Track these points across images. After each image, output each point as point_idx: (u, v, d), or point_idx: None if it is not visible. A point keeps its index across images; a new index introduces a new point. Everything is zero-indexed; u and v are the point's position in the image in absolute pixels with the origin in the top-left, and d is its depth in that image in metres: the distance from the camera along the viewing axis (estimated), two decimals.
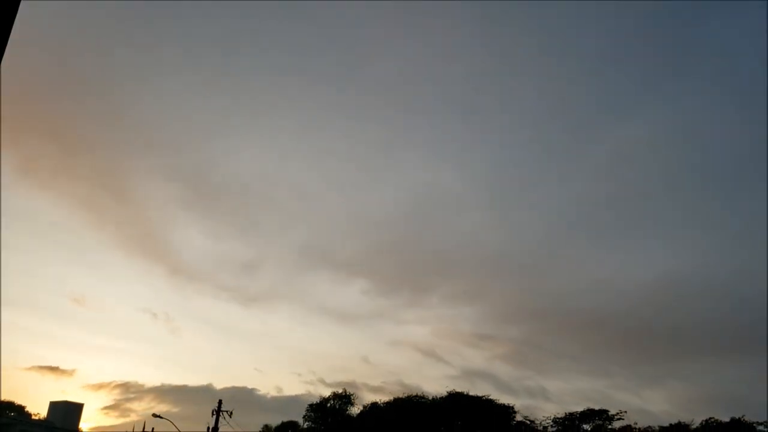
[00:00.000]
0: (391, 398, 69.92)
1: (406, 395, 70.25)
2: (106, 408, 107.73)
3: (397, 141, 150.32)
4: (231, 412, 47.25)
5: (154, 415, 49.82)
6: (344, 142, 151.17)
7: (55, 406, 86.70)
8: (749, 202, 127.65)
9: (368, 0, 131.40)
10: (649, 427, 58.14)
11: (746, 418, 52.68)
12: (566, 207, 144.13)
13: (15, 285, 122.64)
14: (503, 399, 66.26)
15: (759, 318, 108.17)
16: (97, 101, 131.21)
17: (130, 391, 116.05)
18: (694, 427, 55.57)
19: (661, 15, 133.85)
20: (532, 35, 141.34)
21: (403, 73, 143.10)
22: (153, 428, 66.81)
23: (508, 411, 64.15)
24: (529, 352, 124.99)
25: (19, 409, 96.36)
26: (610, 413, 60.21)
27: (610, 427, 59.71)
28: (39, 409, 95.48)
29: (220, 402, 47.76)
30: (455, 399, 65.14)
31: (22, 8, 3.48)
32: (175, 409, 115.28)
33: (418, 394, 70.19)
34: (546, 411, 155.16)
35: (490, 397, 65.60)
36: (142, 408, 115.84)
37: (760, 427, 51.99)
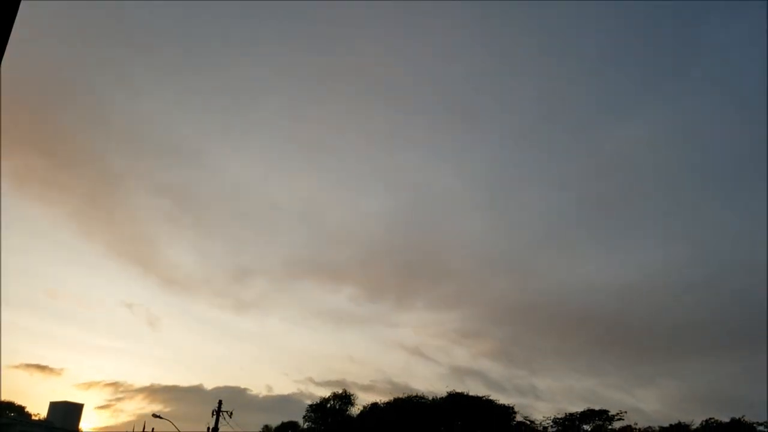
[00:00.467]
0: (391, 398, 69.97)
1: (406, 395, 70.27)
2: (98, 408, 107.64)
3: (387, 146, 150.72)
4: (231, 413, 47.27)
5: (154, 415, 49.86)
6: (333, 152, 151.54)
7: (55, 407, 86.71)
8: (748, 201, 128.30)
9: (367, 0, 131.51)
10: (649, 427, 58.21)
11: (746, 419, 52.73)
12: (562, 207, 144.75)
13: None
14: (494, 397, 66.29)
15: (751, 317, 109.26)
16: (86, 115, 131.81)
17: (119, 390, 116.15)
18: (694, 427, 55.57)
19: (661, 15, 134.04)
20: (531, 35, 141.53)
21: (392, 71, 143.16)
22: (153, 428, 66.90)
23: (508, 411, 64.16)
24: (517, 351, 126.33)
25: (19, 410, 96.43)
26: (610, 413, 60.26)
27: (610, 427, 59.72)
28: (39, 410, 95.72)
29: (220, 402, 47.77)
30: (455, 399, 65.12)
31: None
32: (166, 409, 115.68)
33: (418, 394, 70.27)
34: (538, 409, 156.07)
35: (490, 398, 65.73)
36: (133, 408, 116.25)
37: (761, 428, 51.99)
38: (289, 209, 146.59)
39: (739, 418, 53.03)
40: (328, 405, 73.55)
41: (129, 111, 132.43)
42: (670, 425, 56.74)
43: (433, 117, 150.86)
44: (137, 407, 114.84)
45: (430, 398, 68.20)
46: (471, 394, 66.05)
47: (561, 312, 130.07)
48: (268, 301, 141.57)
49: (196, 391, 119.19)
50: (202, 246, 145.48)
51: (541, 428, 62.76)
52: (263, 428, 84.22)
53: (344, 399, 73.61)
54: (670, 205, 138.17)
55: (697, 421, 55.84)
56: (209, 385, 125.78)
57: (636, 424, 58.90)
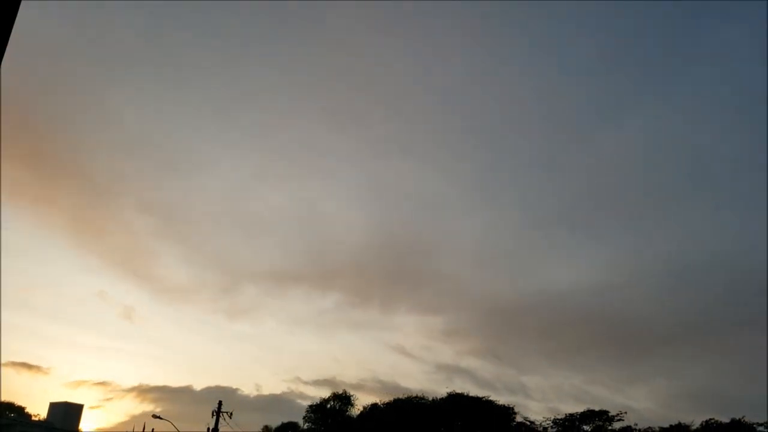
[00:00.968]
0: (391, 399, 69.96)
1: (405, 396, 70.28)
2: (92, 407, 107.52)
3: (375, 154, 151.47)
4: (231, 413, 47.25)
5: (154, 416, 49.83)
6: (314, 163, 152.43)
7: (54, 407, 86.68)
8: (743, 201, 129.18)
9: (358, 0, 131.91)
10: (650, 428, 58.19)
11: (746, 419, 52.75)
12: (550, 206, 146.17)
13: None
14: (485, 396, 66.44)
15: (743, 315, 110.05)
16: (74, 128, 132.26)
17: (108, 390, 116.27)
18: (694, 428, 55.59)
19: (656, 17, 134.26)
20: (525, 36, 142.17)
21: (377, 75, 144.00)
22: (153, 429, 66.86)
23: (508, 412, 64.14)
24: (504, 351, 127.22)
25: (19, 410, 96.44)
26: (609, 414, 60.28)
27: (610, 428, 59.71)
28: (36, 410, 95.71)
29: (219, 403, 47.75)
30: (455, 400, 65.09)
31: None
32: (158, 409, 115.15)
33: (418, 395, 70.27)
34: (531, 409, 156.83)
35: (490, 398, 65.73)
36: (125, 408, 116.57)
37: (761, 428, 51.99)
38: (278, 218, 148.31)
39: (740, 419, 53.07)
40: (328, 406, 73.55)
41: (116, 126, 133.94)
42: (670, 426, 56.75)
43: (423, 123, 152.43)
44: (128, 407, 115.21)
45: (430, 399, 68.26)
46: (471, 394, 66.15)
47: (547, 312, 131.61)
48: (257, 306, 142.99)
49: (186, 392, 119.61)
50: (192, 255, 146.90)
51: (541, 429, 62.76)
52: (263, 429, 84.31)
53: (344, 400, 73.62)
54: (663, 203, 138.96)
55: (697, 422, 55.96)
56: (198, 386, 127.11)
57: (636, 424, 58.97)
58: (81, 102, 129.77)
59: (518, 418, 63.88)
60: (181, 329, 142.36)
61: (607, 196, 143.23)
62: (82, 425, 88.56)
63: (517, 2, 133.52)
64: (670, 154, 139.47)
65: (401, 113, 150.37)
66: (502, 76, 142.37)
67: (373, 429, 65.71)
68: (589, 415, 60.95)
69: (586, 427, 60.83)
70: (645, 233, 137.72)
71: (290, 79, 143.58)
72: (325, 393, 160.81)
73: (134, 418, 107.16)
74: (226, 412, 47.10)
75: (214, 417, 46.99)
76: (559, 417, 62.36)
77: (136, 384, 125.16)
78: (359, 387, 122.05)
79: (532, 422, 63.44)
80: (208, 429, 47.26)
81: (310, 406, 74.35)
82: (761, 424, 52.04)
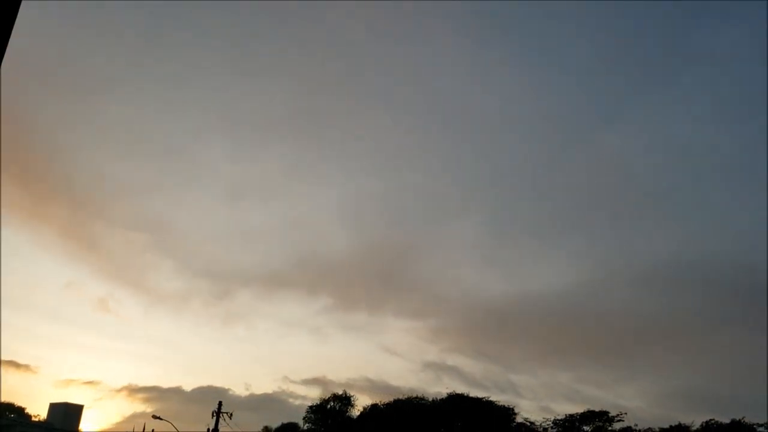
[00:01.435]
0: (391, 400, 69.91)
1: (405, 397, 70.24)
2: (87, 408, 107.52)
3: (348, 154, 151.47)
4: (231, 414, 47.21)
5: (154, 417, 49.81)
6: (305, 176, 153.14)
7: (54, 408, 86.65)
8: (738, 202, 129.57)
9: (351, 0, 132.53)
10: (650, 429, 58.16)
11: (746, 420, 52.72)
12: (541, 207, 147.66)
13: None
14: (473, 394, 66.47)
15: (737, 314, 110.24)
16: (60, 152, 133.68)
17: (97, 389, 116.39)
18: (694, 428, 55.57)
19: (656, 17, 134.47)
20: (521, 38, 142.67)
21: (367, 80, 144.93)
22: (153, 429, 66.87)
23: (508, 413, 64.08)
24: (492, 350, 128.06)
25: (19, 411, 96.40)
26: (609, 415, 60.23)
27: (610, 428, 59.67)
28: (39, 411, 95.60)
29: (220, 404, 47.73)
30: (455, 401, 65.05)
31: None
32: (149, 409, 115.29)
33: (418, 395, 70.22)
34: (523, 408, 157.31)
35: (490, 399, 65.67)
36: (117, 407, 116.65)
37: (761, 429, 51.95)
38: (267, 228, 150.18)
39: (740, 420, 53.04)
40: (328, 406, 73.49)
41: (103, 144, 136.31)
42: (671, 426, 56.74)
43: (411, 127, 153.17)
44: (120, 407, 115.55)
45: (430, 399, 68.20)
46: (471, 395, 66.08)
47: (535, 312, 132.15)
48: (247, 310, 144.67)
49: (176, 392, 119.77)
50: (183, 262, 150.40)
51: (541, 429, 62.71)
52: (263, 429, 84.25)
53: (344, 400, 73.55)
54: (658, 204, 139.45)
55: (697, 422, 55.93)
56: (187, 387, 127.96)
57: (636, 425, 58.94)
58: (72, 113, 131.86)
59: (518, 419, 63.88)
60: (170, 332, 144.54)
61: (603, 196, 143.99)
62: (82, 426, 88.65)
63: (517, 2, 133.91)
64: (669, 155, 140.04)
65: (391, 115, 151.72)
66: (502, 77, 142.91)
67: (373, 429, 65.68)
68: (589, 416, 60.89)
69: (586, 428, 60.78)
70: (641, 233, 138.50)
71: (280, 88, 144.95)
72: (315, 392, 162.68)
73: (132, 418, 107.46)
74: (226, 413, 47.07)
75: (214, 417, 46.95)
76: (559, 418, 62.36)
77: (125, 384, 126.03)
78: (348, 386, 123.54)
79: (532, 423, 63.40)
80: (208, 429, 47.24)
81: (311, 407, 74.37)
82: (761, 425, 52.02)
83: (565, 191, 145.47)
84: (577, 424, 61.01)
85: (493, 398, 65.77)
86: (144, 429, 69.62)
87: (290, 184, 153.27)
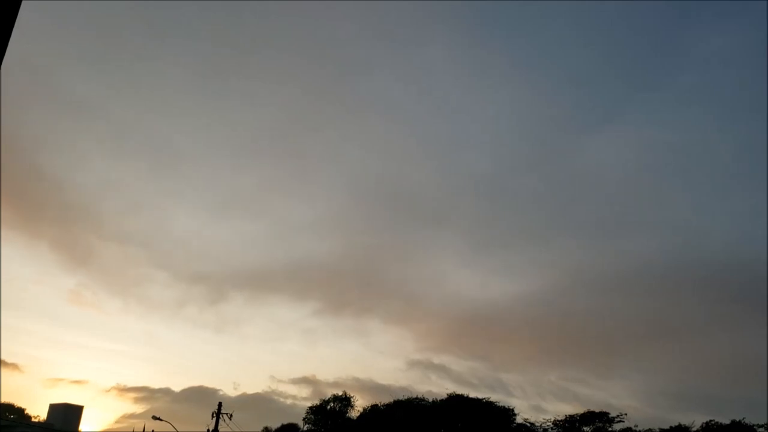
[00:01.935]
0: (391, 400, 69.88)
1: (406, 398, 70.17)
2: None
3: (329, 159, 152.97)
4: (231, 415, 47.25)
5: (154, 417, 49.78)
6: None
7: (54, 409, 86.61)
8: (731, 202, 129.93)
9: (343, 0, 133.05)
10: (650, 429, 58.15)
11: (746, 420, 52.74)
12: (535, 208, 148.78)
13: None
14: (461, 391, 66.71)
15: (724, 311, 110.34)
16: (50, 165, 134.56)
17: (85, 389, 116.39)
18: (694, 429, 55.59)
19: (653, 18, 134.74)
20: (514, 40, 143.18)
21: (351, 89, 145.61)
22: (153, 430, 66.86)
23: (508, 413, 64.08)
24: (479, 349, 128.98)
25: (19, 412, 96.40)
26: (610, 415, 60.24)
27: (610, 429, 59.67)
28: (39, 411, 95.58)
29: (219, 404, 47.78)
30: (455, 401, 65.06)
31: None
32: (140, 410, 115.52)
33: (418, 396, 70.18)
34: (514, 405, 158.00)
35: (491, 399, 65.69)
36: (107, 407, 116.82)
37: (761, 429, 51.95)
38: (257, 234, 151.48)
39: (740, 420, 53.05)
40: (328, 407, 73.49)
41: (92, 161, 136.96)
42: (671, 427, 56.75)
43: (403, 130, 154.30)
44: (110, 407, 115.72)
45: (430, 400, 68.19)
46: (471, 396, 66.11)
47: (525, 312, 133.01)
48: (236, 314, 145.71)
49: (166, 392, 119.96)
50: (174, 270, 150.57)
51: (541, 430, 62.72)
52: (263, 429, 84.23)
53: (344, 401, 73.55)
54: (655, 203, 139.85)
55: (697, 422, 55.97)
56: (176, 387, 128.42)
57: (636, 425, 58.93)
58: (60, 130, 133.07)
59: (518, 419, 63.88)
60: (159, 334, 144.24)
61: (599, 196, 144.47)
62: (82, 426, 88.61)
63: (514, 3, 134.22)
64: (665, 156, 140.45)
65: (382, 116, 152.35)
66: (500, 77, 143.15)
67: (373, 430, 65.66)
68: (589, 417, 60.89)
69: (586, 429, 60.75)
70: (635, 233, 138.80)
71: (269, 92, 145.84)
72: (304, 391, 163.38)
73: (123, 418, 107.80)
74: (226, 413, 47.11)
75: (214, 418, 46.99)
76: (559, 418, 62.37)
77: (114, 384, 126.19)
78: (336, 385, 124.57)
79: (532, 423, 63.40)
80: (208, 430, 47.27)
81: (310, 408, 74.38)
82: (761, 426, 52.03)
83: (557, 192, 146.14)
84: (577, 424, 61.00)
85: (484, 396, 66.01)
86: (144, 429, 69.69)
87: (279, 193, 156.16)
